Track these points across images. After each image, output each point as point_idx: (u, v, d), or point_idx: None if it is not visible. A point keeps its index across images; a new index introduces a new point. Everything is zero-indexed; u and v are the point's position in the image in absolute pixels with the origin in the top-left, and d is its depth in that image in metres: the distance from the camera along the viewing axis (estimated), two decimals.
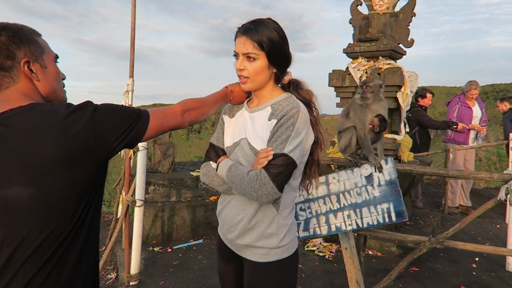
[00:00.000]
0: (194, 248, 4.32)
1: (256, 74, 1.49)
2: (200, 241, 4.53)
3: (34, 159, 1.03)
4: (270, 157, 1.42)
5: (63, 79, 1.31)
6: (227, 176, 1.51)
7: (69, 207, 1.10)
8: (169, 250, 4.23)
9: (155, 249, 4.24)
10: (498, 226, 5.11)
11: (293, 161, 1.43)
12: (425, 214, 4.95)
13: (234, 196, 1.56)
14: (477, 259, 3.99)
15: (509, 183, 2.25)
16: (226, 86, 1.61)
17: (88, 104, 1.13)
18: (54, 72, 1.25)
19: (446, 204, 5.66)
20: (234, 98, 1.62)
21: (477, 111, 5.74)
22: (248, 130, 1.56)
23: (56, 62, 1.28)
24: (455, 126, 5.57)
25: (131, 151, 3.35)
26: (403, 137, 4.53)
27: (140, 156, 3.35)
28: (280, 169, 1.41)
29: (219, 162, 1.58)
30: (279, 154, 1.42)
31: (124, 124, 1.16)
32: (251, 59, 1.47)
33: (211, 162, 1.64)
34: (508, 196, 2.22)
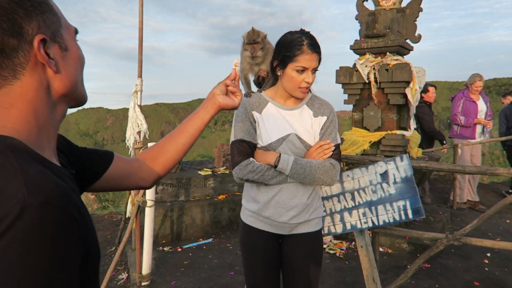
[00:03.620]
0: (204, 247, 4.31)
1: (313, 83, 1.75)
2: (210, 240, 4.52)
3: None
4: (333, 148, 1.75)
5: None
6: (292, 168, 1.69)
7: None
8: (179, 249, 4.22)
9: (165, 248, 4.24)
10: (508, 221, 5.09)
11: None
12: (434, 210, 4.94)
13: (284, 184, 1.74)
14: (488, 254, 3.97)
15: None
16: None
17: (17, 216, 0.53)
18: (76, 57, 0.80)
19: (455, 199, 5.63)
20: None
21: (482, 105, 5.70)
22: (294, 126, 1.76)
23: (76, 40, 0.83)
24: (445, 143, 5.75)
25: (141, 151, 3.34)
26: (412, 133, 4.52)
27: None
28: (340, 156, 1.82)
29: (277, 158, 1.70)
30: (338, 145, 1.79)
31: None
32: (315, 72, 1.72)
33: (251, 159, 1.72)
34: None
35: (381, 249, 4.07)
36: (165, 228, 4.47)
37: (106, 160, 1.02)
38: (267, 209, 1.76)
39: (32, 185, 0.56)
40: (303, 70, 1.66)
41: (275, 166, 1.69)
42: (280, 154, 1.70)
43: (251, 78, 2.13)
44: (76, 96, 0.81)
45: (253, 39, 1.96)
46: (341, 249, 4.11)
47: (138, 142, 3.33)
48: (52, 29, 0.74)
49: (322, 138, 1.77)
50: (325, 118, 1.78)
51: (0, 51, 0.66)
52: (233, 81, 1.18)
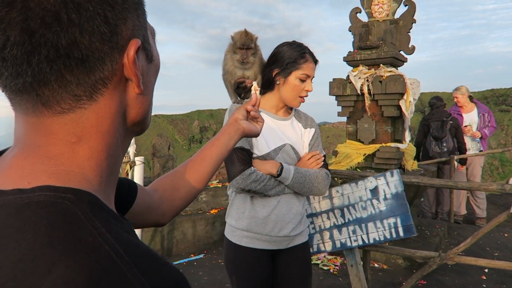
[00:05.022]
0: (195, 263, 4.20)
1: None
2: (201, 256, 4.41)
3: None
4: (323, 158, 1.78)
5: None
6: (294, 177, 1.66)
7: None
8: None
9: None
10: (506, 235, 4.99)
11: None
12: (431, 224, 4.84)
13: (281, 196, 1.70)
14: (486, 270, 3.87)
15: None
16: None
17: None
18: (157, 70, 0.61)
19: (451, 213, 5.54)
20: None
21: (471, 117, 5.67)
22: (288, 136, 1.75)
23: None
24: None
25: (128, 166, 3.27)
26: (407, 146, 4.44)
27: (138, 170, 3.26)
28: (328, 166, 1.84)
29: (279, 167, 1.66)
30: (324, 155, 1.82)
31: None
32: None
33: (253, 168, 1.64)
34: None
35: (376, 265, 3.96)
36: (155, 244, 4.37)
37: (133, 192, 0.83)
38: (267, 224, 1.68)
39: (154, 280, 0.41)
40: (305, 78, 1.70)
41: (278, 176, 1.64)
42: (281, 163, 1.67)
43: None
44: (145, 124, 0.60)
45: (247, 44, 1.76)
46: (335, 265, 4.00)
47: (125, 156, 3.26)
48: (144, 29, 0.53)
49: (311, 149, 1.81)
50: (313, 130, 1.83)
51: (83, 60, 0.45)
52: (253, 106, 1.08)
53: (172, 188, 0.92)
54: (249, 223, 1.69)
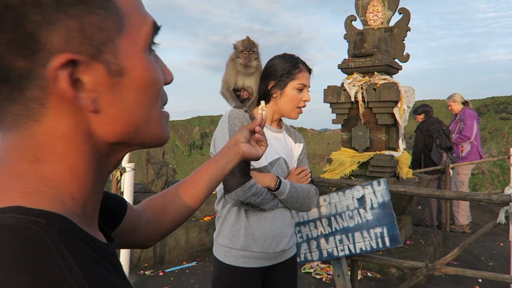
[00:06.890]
0: (187, 271, 4.17)
1: None
2: (194, 263, 4.38)
3: None
4: (310, 174, 1.77)
5: (164, 103, 0.57)
6: (289, 192, 1.62)
7: None
8: (161, 273, 4.08)
9: (147, 272, 4.10)
10: (501, 244, 4.94)
11: None
12: (426, 232, 4.80)
13: (275, 210, 1.66)
14: (480, 280, 3.82)
15: (510, 204, 2.13)
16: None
17: None
18: (142, 83, 0.49)
19: (447, 221, 5.50)
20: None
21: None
22: (281, 150, 1.72)
23: (151, 49, 0.51)
24: None
25: (118, 172, 3.25)
26: (401, 154, 4.43)
27: (128, 177, 3.24)
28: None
29: (278, 181, 1.61)
30: (310, 171, 1.80)
31: None
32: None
33: (253, 180, 1.56)
34: (510, 219, 2.09)
35: (369, 274, 3.93)
36: (147, 251, 4.34)
37: (122, 209, 0.77)
38: (265, 241, 1.61)
39: None
40: (302, 88, 1.68)
41: (276, 189, 1.59)
42: (278, 177, 1.62)
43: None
44: (142, 142, 0.53)
45: (250, 48, 1.78)
46: (328, 274, 3.96)
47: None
48: (99, 39, 0.44)
49: (299, 164, 1.79)
50: (302, 145, 1.82)
51: (2, 78, 0.40)
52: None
53: (162, 210, 0.86)
54: (245, 241, 1.60)
